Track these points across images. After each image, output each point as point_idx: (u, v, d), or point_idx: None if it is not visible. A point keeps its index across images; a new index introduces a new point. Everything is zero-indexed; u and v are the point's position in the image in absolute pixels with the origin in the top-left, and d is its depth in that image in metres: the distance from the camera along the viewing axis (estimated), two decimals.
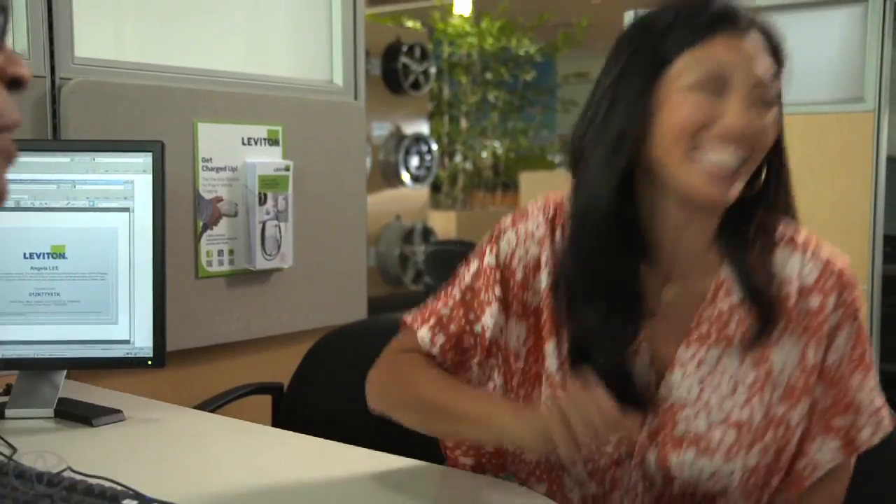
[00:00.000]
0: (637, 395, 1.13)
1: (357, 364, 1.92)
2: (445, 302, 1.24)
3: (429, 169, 5.62)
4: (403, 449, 1.32)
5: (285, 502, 1.16)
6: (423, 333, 1.23)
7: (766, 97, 1.07)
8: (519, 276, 1.19)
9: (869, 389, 1.15)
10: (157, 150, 1.54)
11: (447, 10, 7.58)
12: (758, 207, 1.13)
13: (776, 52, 1.09)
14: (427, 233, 5.61)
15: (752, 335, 1.12)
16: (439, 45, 7.51)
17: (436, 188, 7.43)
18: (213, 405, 1.79)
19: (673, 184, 1.08)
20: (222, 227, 2.01)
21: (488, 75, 7.76)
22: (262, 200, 2.04)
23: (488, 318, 1.19)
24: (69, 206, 1.52)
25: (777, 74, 1.09)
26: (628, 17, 2.86)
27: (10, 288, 1.51)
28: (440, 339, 1.22)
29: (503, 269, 1.20)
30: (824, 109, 2.99)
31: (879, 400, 1.16)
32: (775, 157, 1.12)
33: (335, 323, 2.08)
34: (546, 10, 7.61)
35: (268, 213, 2.05)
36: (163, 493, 1.03)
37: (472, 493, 1.21)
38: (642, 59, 1.08)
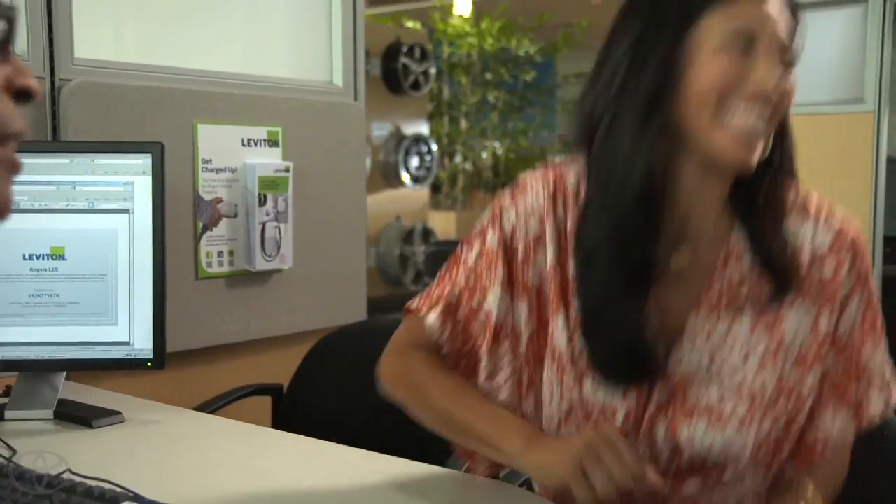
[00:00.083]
0: (649, 365, 1.11)
1: (357, 365, 1.93)
2: (451, 286, 1.22)
3: (429, 169, 5.61)
4: (404, 451, 1.31)
5: None
6: (432, 321, 1.21)
7: (789, 57, 1.06)
8: (521, 253, 1.17)
9: (880, 358, 1.14)
10: (157, 152, 1.53)
11: (447, 10, 7.58)
12: (766, 173, 1.11)
13: (794, 10, 1.09)
14: (427, 233, 5.61)
15: (765, 303, 1.11)
16: (439, 45, 7.51)
17: (436, 189, 7.43)
18: (212, 406, 1.79)
19: (698, 146, 1.06)
20: (222, 229, 2.01)
21: (488, 76, 7.75)
22: (262, 201, 2.04)
23: (493, 301, 1.17)
24: (69, 207, 1.52)
25: (796, 32, 1.08)
26: None
27: (10, 289, 1.51)
28: (448, 328, 1.21)
29: (506, 249, 1.18)
30: (824, 110, 2.99)
31: (889, 369, 1.15)
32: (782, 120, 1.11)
33: (335, 324, 2.08)
34: (546, 10, 7.61)
35: (268, 214, 2.05)
36: (162, 495, 1.03)
37: (472, 495, 1.21)
38: (667, 18, 1.05)
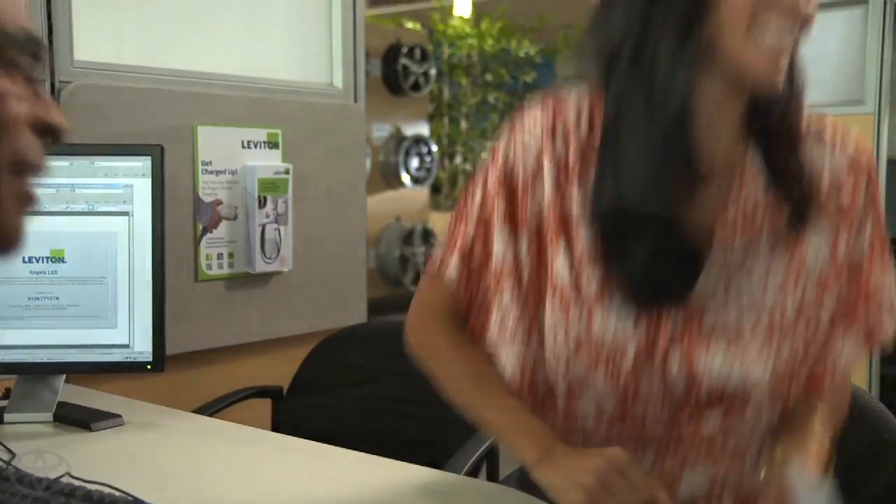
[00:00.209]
0: (673, 288, 1.09)
1: (357, 367, 1.93)
2: (463, 236, 1.19)
3: (429, 170, 5.61)
4: (404, 454, 1.31)
5: None
6: (451, 272, 1.18)
7: None
8: (520, 190, 1.15)
9: (890, 282, 1.14)
10: (157, 154, 1.53)
11: (447, 11, 7.58)
12: (780, 97, 1.09)
13: None
14: (427, 234, 5.60)
15: (783, 227, 1.10)
16: (439, 46, 7.51)
17: (436, 189, 7.43)
18: (212, 408, 1.79)
19: (727, 64, 1.04)
20: (222, 231, 2.01)
21: (488, 77, 7.75)
22: (262, 203, 2.04)
23: (500, 245, 1.15)
24: (68, 210, 1.52)
25: None
26: None
27: (9, 292, 1.51)
28: (465, 278, 1.18)
29: (507, 188, 1.16)
30: (824, 111, 2.99)
31: None
32: None
33: (335, 326, 2.08)
34: (546, 12, 7.61)
35: (267, 216, 2.05)
36: (162, 499, 1.03)
37: (473, 499, 1.20)
38: None
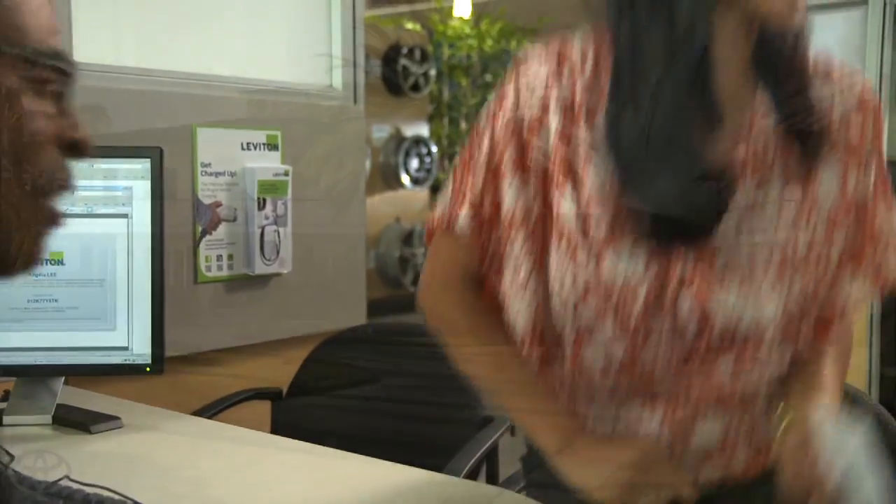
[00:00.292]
0: (697, 226, 1.07)
1: (356, 369, 1.93)
2: (472, 185, 1.15)
3: (429, 171, 5.61)
4: (403, 456, 1.31)
5: None
6: (463, 223, 1.14)
7: None
8: (525, 133, 1.12)
9: (894, 223, 1.13)
10: (156, 157, 1.53)
11: (447, 12, 7.58)
12: (786, 35, 1.08)
13: None
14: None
15: (794, 165, 1.09)
16: (439, 47, 7.51)
17: (436, 190, 7.42)
18: (212, 410, 1.79)
19: (747, 0, 1.03)
20: (221, 232, 2.01)
21: (488, 77, 7.75)
22: (262, 205, 2.04)
23: (509, 190, 1.12)
24: (67, 211, 1.51)
25: None
26: None
27: (8, 294, 1.50)
28: (477, 228, 1.15)
29: (514, 132, 1.13)
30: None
31: None
32: None
33: (334, 328, 2.08)
34: (546, 12, 7.61)
35: (267, 217, 2.04)
36: (161, 502, 1.03)
37: (473, 502, 1.20)
38: None
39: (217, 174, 2.00)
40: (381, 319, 3.10)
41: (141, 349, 1.53)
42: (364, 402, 1.87)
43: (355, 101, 2.37)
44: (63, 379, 1.55)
